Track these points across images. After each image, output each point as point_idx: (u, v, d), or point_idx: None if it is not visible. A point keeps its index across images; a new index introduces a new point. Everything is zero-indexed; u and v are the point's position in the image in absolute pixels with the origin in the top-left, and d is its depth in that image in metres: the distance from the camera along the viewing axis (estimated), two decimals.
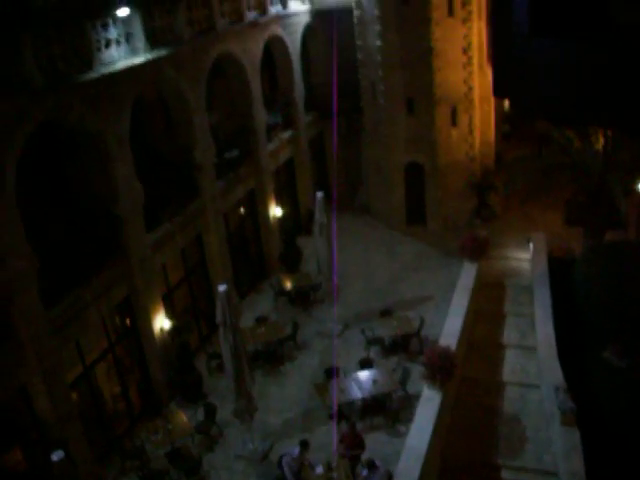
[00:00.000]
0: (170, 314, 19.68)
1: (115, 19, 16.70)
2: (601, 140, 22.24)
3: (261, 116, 24.79)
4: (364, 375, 18.46)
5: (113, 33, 16.64)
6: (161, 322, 18.96)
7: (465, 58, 25.12)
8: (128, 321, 18.81)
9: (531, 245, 23.24)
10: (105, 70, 16.07)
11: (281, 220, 26.93)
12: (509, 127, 32.03)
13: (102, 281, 16.73)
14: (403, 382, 18.15)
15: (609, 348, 17.89)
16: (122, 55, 16.98)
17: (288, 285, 23.97)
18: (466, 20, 24.59)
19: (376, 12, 25.33)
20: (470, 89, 25.64)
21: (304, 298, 23.65)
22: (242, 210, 25.64)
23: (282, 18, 26.00)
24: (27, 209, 14.42)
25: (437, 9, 24.13)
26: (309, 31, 28.94)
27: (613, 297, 17.88)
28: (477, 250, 22.30)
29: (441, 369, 16.38)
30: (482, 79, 25.66)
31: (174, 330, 19.69)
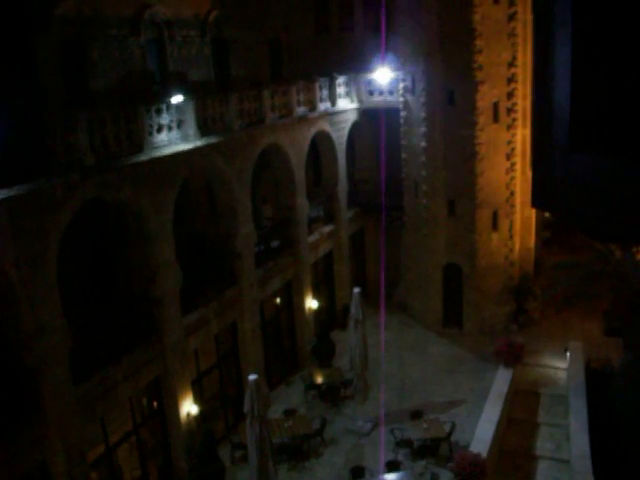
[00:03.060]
0: (198, 400, 19.54)
1: (169, 105, 17.42)
2: None
3: (304, 208, 25.20)
4: (391, 478, 17.91)
5: (166, 119, 17.33)
6: (188, 407, 18.81)
7: (508, 164, 25.46)
8: (155, 404, 18.71)
9: (568, 354, 22.73)
10: (154, 154, 16.65)
11: (316, 313, 26.89)
12: (550, 233, 31.96)
13: (133, 361, 16.78)
14: None
15: None
16: (172, 140, 17.61)
17: (319, 379, 23.67)
18: (510, 127, 25.06)
19: (422, 114, 25.97)
20: (512, 194, 25.84)
21: (334, 393, 23.27)
22: (278, 300, 25.71)
23: (330, 115, 26.79)
24: (67, 284, 14.71)
25: (482, 114, 24.67)
26: (356, 128, 29.69)
27: None
28: (512, 356, 21.92)
29: (471, 476, 15.85)
30: (524, 184, 25.84)
31: (200, 416, 19.49)
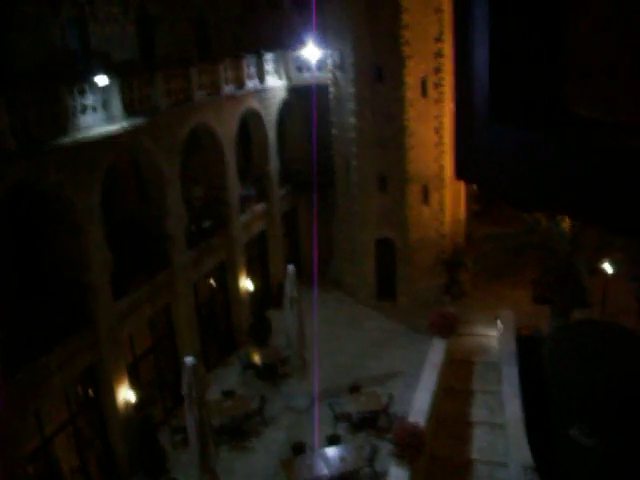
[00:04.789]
0: (135, 385, 19.26)
1: (92, 86, 16.91)
2: (567, 220, 22.70)
3: (235, 188, 24.98)
4: (331, 452, 18.11)
5: (90, 100, 16.83)
6: (125, 393, 18.53)
7: (437, 137, 25.76)
8: (91, 391, 18.36)
9: (499, 323, 23.33)
10: (79, 136, 16.17)
11: (251, 292, 26.80)
12: (480, 206, 32.57)
13: (67, 350, 16.40)
14: (371, 459, 17.82)
15: (576, 426, 17.81)
16: (98, 122, 17.13)
17: (256, 359, 23.68)
18: (438, 101, 25.34)
19: (352, 90, 25.99)
20: (441, 168, 26.19)
21: (272, 372, 23.32)
22: (212, 281, 25.51)
23: (259, 92, 26.55)
24: None
25: (411, 89, 24.85)
26: (285, 106, 29.51)
27: (579, 375, 17.92)
28: (446, 327, 22.33)
29: (410, 446, 16.13)
30: (454, 159, 26.22)
31: (138, 402, 19.24)
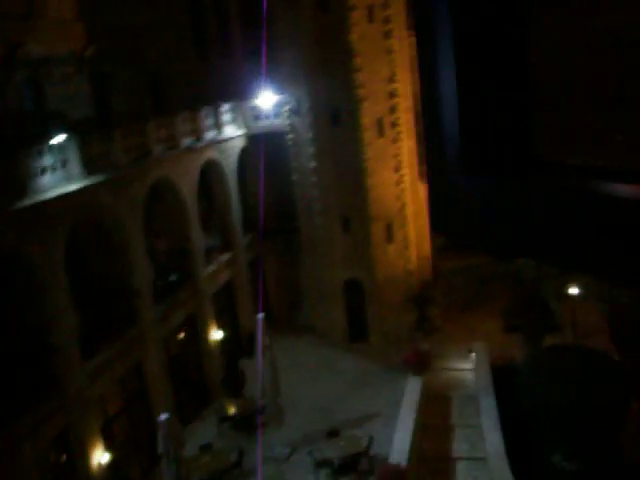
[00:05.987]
0: (109, 446, 18.76)
1: (51, 147, 16.80)
2: None
3: (199, 239, 24.87)
4: None
5: (49, 160, 16.67)
6: (99, 456, 18.02)
7: (397, 176, 26.07)
8: (64, 456, 17.81)
9: (473, 355, 23.40)
10: (39, 197, 15.98)
11: (222, 343, 26.48)
12: (444, 240, 32.85)
13: (36, 416, 15.92)
14: None
15: (558, 452, 17.85)
16: (58, 182, 16.96)
17: (232, 410, 23.29)
18: (396, 140, 25.72)
19: (309, 134, 26.25)
20: (403, 206, 26.44)
21: (249, 423, 22.92)
22: (182, 334, 25.14)
23: (218, 143, 26.63)
24: None
25: (367, 130, 25.19)
26: (245, 154, 29.60)
27: (555, 401, 18.02)
28: (420, 364, 22.35)
29: None
30: (414, 195, 26.54)
31: (113, 463, 18.72)
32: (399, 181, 26.18)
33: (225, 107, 27.41)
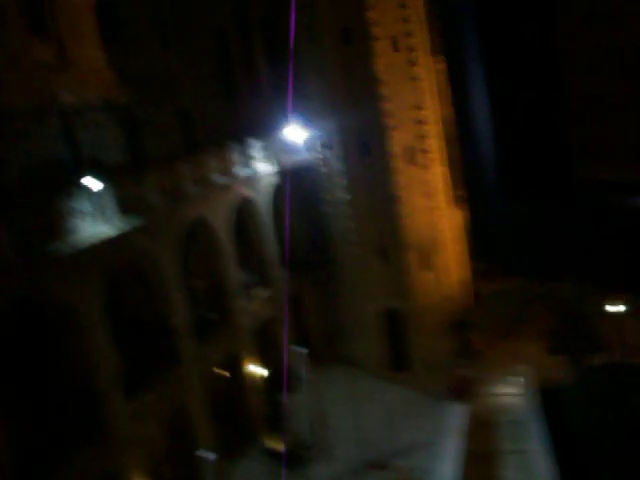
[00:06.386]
0: None
1: (88, 193, 17.11)
2: None
3: (235, 275, 24.96)
4: None
5: (86, 206, 16.97)
6: None
7: (430, 202, 25.96)
8: None
9: (520, 379, 22.97)
10: (78, 243, 16.25)
11: (264, 379, 26.39)
12: (484, 264, 32.47)
13: (81, 460, 16.02)
14: None
15: (610, 473, 17.41)
16: (95, 226, 17.23)
17: (277, 446, 23.13)
18: (427, 167, 25.67)
19: (341, 166, 26.38)
20: (440, 232, 26.29)
21: (296, 458, 22.74)
22: (224, 372, 25.16)
23: (250, 179, 26.82)
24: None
25: (398, 158, 25.21)
26: (279, 190, 29.74)
27: (605, 421, 17.58)
28: (464, 390, 22.02)
29: None
30: (450, 221, 26.38)
31: None
32: (434, 207, 26.08)
33: (256, 144, 27.65)
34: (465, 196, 26.75)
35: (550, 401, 20.94)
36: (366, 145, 25.62)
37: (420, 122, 25.44)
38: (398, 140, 25.23)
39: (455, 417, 20.95)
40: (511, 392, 23.41)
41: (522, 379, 22.78)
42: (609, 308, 21.42)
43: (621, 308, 21.69)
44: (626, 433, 17.21)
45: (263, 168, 28.05)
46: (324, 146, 27.34)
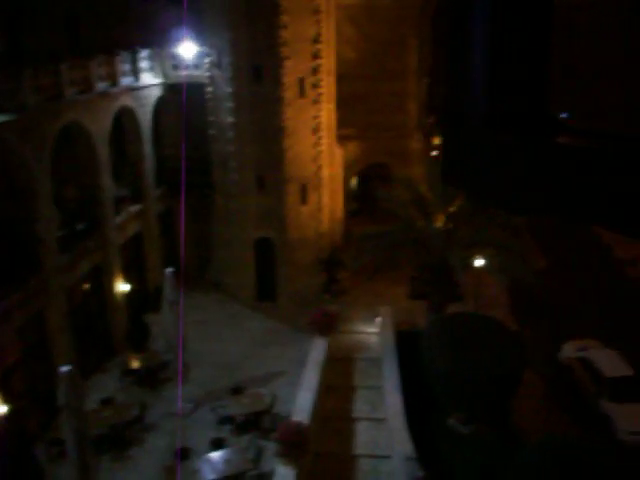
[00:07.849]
0: (6, 398, 18.19)
1: None
2: (442, 219, 23.52)
3: (109, 188, 24.15)
4: (216, 456, 17.89)
5: None
6: None
7: (315, 138, 26.00)
8: None
9: (379, 319, 23.85)
10: None
11: (128, 296, 25.99)
12: (357, 205, 33.15)
13: None
14: (256, 460, 17.77)
15: (453, 416, 18.54)
16: None
17: (135, 364, 23.01)
18: (316, 102, 25.58)
19: (229, 89, 25.74)
20: (319, 168, 26.46)
21: (152, 377, 22.74)
22: (87, 286, 24.50)
23: (133, 90, 25.77)
24: None
25: (289, 89, 24.93)
26: (162, 104, 28.80)
27: (453, 366, 18.62)
28: (326, 325, 22.59)
29: (294, 445, 16.20)
30: (331, 159, 26.57)
31: (10, 416, 18.19)
32: (317, 143, 26.14)
33: (143, 53, 26.51)
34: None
35: (406, 343, 21.90)
36: (258, 71, 25.08)
37: (315, 56, 25.19)
38: (291, 70, 24.89)
39: (315, 350, 21.53)
40: (371, 331, 24.32)
41: (382, 319, 23.66)
42: (471, 262, 22.48)
43: (481, 263, 22.82)
44: (470, 380, 18.28)
45: (147, 79, 27.02)
46: (214, 65, 26.51)
